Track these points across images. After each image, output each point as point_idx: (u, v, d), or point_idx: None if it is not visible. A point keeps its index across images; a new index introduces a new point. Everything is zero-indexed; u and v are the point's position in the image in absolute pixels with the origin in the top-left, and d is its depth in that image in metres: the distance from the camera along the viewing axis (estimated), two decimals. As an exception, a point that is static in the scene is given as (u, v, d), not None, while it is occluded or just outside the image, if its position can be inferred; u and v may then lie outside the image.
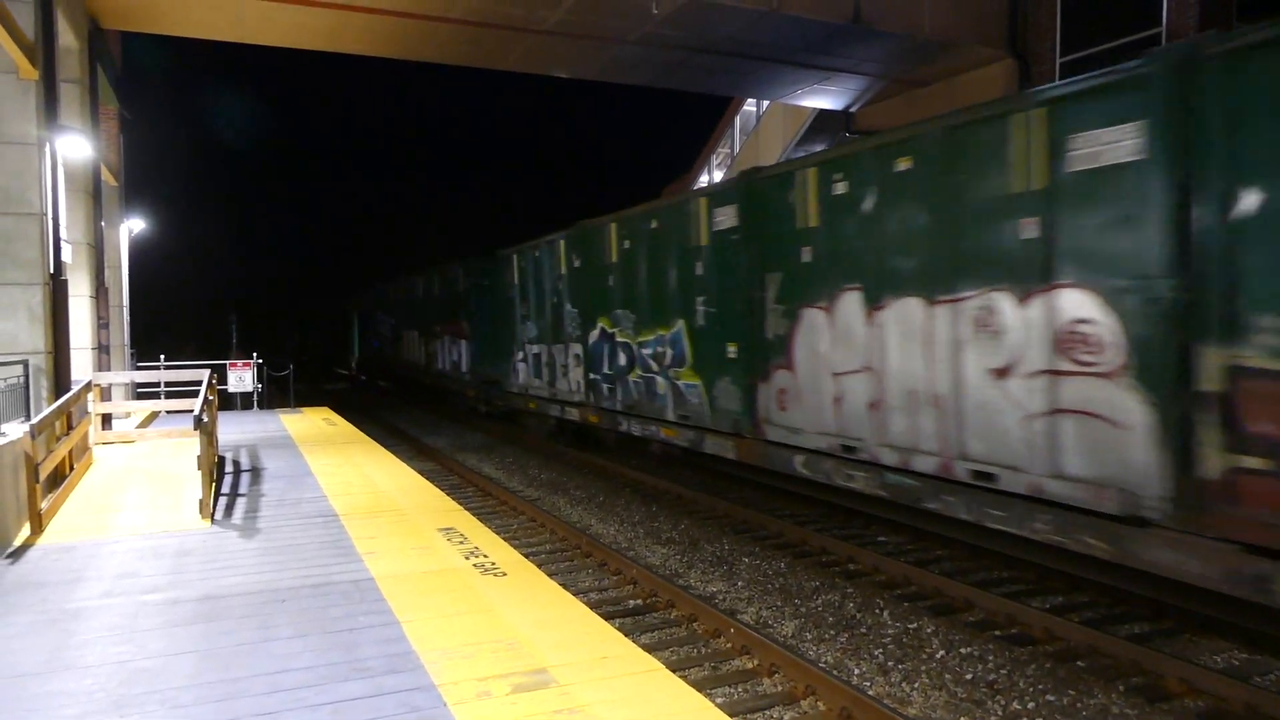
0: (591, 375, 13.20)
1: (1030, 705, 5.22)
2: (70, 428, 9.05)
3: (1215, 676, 5.20)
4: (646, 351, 11.46)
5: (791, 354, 8.61)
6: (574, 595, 5.32)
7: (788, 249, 8.59)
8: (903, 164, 7.19)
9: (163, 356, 18.62)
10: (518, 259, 16.31)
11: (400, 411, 25.02)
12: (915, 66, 16.62)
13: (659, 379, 11.17)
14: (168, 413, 15.50)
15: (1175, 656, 5.53)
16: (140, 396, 17.24)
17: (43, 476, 7.13)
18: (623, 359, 12.15)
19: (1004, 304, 6.31)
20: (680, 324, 10.56)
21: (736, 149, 26.07)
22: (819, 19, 14.00)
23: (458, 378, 20.81)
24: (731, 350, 9.53)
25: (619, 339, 12.23)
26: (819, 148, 20.51)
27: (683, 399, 10.62)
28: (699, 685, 5.40)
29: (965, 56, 15.95)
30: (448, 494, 9.52)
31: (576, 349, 13.70)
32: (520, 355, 16.46)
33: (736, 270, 9.39)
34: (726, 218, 9.56)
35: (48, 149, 9.44)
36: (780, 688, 5.52)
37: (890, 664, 5.90)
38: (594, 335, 13.06)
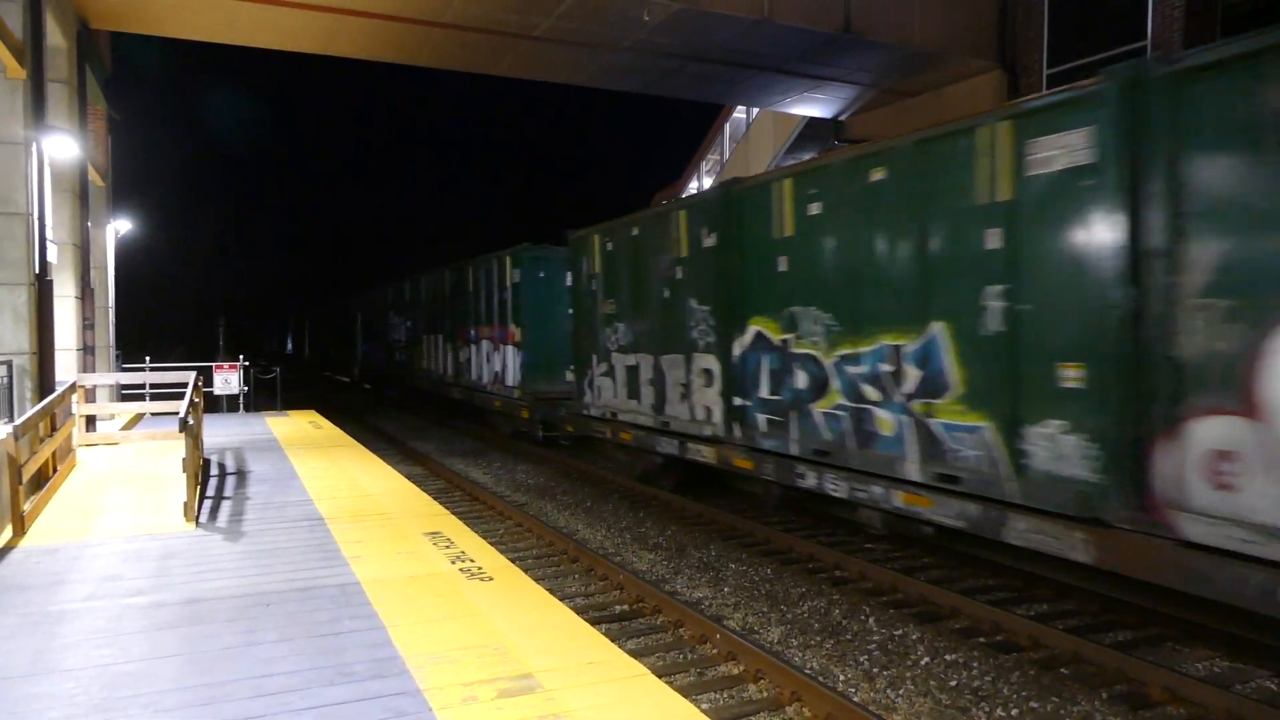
0: (738, 400, 9.54)
1: (1015, 712, 5.25)
2: (54, 429, 8.98)
3: (1198, 684, 5.24)
4: (857, 370, 7.87)
5: (1257, 388, 4.95)
6: (560, 600, 5.32)
7: (1254, 198, 4.96)
8: None
9: (148, 359, 18.52)
10: (602, 241, 12.57)
11: (386, 415, 24.94)
12: (905, 76, 16.75)
13: (883, 414, 7.59)
14: (153, 415, 15.39)
15: (1158, 664, 5.57)
16: (125, 398, 17.13)
17: (26, 478, 7.07)
18: (803, 379, 8.56)
19: None
20: (936, 329, 7.03)
21: (726, 155, 26.18)
22: (810, 28, 14.10)
23: (502, 393, 17.42)
24: (1071, 375, 5.95)
25: (796, 350, 8.64)
26: (809, 156, 20.65)
27: (942, 449, 7.02)
28: (685, 691, 5.41)
29: (955, 67, 16.08)
30: (434, 498, 9.50)
31: (707, 362, 10.11)
32: (603, 368, 12.63)
33: (1088, 240, 5.85)
34: (1060, 153, 6.00)
35: (34, 149, 9.39)
36: (766, 693, 5.52)
37: (876, 670, 5.92)
38: (743, 343, 9.46)
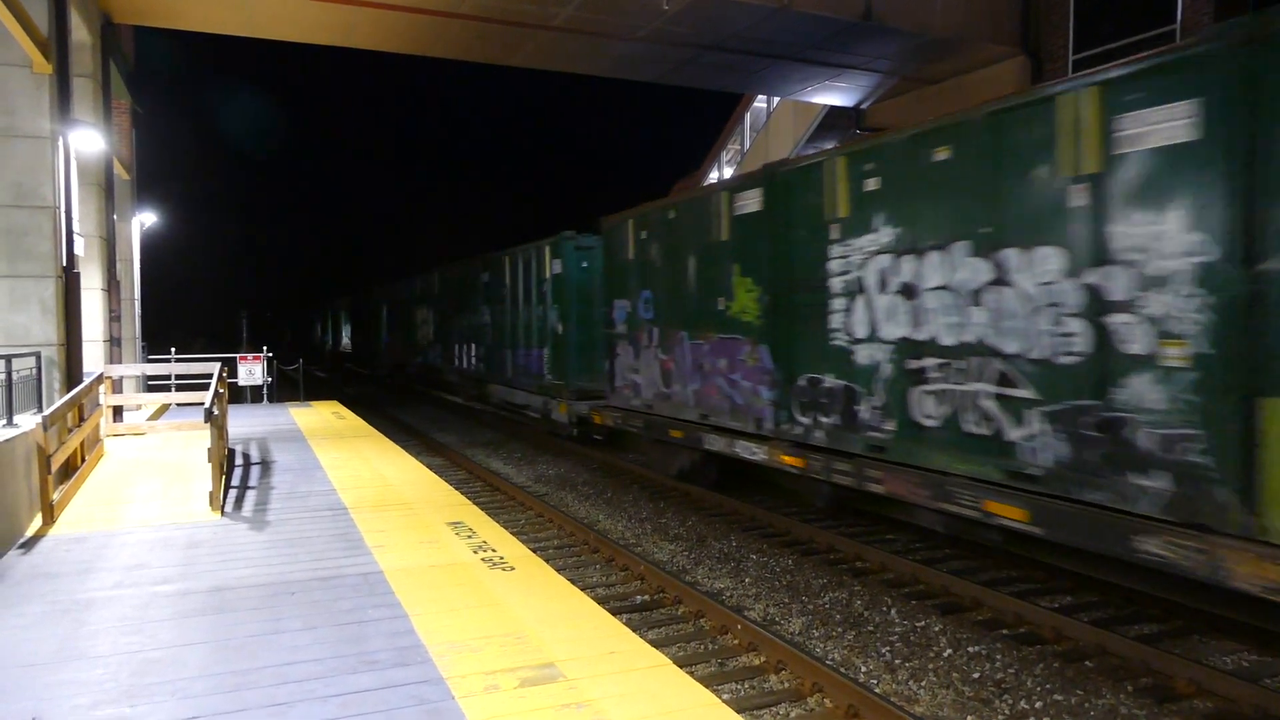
0: None
1: (1038, 705, 5.21)
2: (82, 419, 9.10)
3: (1225, 678, 5.18)
4: None
5: None
6: (582, 590, 5.33)
7: None
8: None
9: (173, 350, 18.73)
10: None
11: (408, 407, 25.09)
12: (926, 64, 16.56)
13: None
14: (178, 405, 15.57)
15: (1184, 657, 5.51)
16: (151, 389, 17.34)
17: (55, 468, 7.18)
18: None
19: None
20: None
21: (747, 145, 26.03)
22: (829, 15, 13.95)
23: None
24: None
25: None
26: (829, 145, 20.48)
27: None
28: (706, 681, 5.41)
29: (977, 54, 15.88)
30: (456, 488, 9.55)
31: None
32: None
33: None
34: None
35: (61, 143, 9.49)
36: (787, 684, 5.52)
37: (897, 662, 5.89)
38: None
